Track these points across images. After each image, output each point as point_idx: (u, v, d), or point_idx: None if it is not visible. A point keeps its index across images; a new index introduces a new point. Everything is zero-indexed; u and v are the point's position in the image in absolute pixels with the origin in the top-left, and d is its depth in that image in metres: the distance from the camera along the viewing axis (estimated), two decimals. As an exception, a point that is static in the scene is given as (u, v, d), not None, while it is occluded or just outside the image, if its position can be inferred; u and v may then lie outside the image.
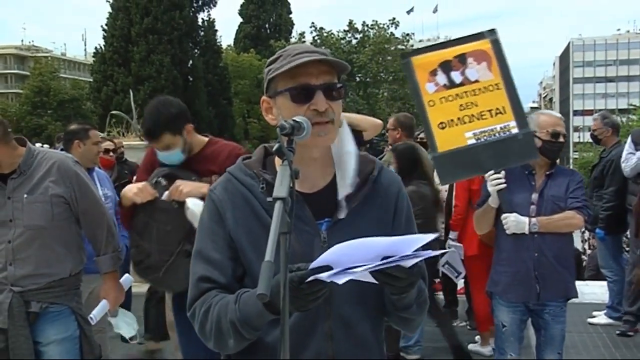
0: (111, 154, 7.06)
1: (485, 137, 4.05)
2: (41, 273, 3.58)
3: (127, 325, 4.39)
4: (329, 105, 1.93)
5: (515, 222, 4.10)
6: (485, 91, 4.06)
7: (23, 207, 3.52)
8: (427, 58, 4.14)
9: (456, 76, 4.08)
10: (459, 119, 4.05)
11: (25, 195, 3.53)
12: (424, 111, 4.10)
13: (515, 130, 4.05)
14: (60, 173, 3.62)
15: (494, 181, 4.06)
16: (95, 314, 3.92)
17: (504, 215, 4.13)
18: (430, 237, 1.77)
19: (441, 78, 4.09)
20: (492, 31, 4.14)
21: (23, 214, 3.52)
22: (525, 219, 4.11)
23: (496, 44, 4.10)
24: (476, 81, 4.07)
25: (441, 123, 4.07)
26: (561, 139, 4.25)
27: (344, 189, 2.01)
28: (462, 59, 4.08)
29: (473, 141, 4.05)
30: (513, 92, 4.09)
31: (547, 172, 4.25)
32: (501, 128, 4.04)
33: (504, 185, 4.05)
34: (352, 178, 2.02)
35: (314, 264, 1.67)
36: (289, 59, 1.94)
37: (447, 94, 4.08)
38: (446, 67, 4.08)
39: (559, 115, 4.49)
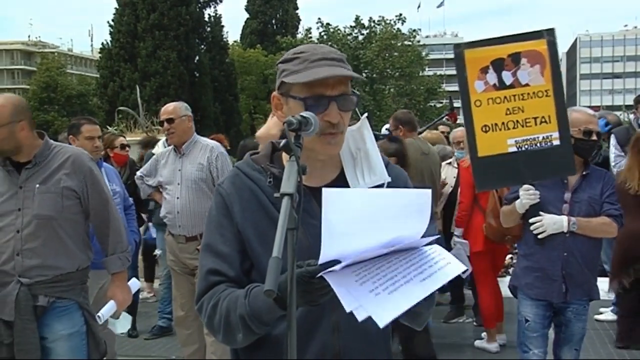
0: (127, 149, 7.06)
1: (526, 146, 3.94)
2: (49, 265, 3.56)
3: (121, 323, 4.35)
4: (341, 117, 1.94)
5: (552, 222, 4.03)
6: (534, 97, 3.94)
7: (34, 197, 3.53)
8: (481, 53, 3.99)
9: (507, 77, 3.95)
10: (503, 123, 3.94)
11: (37, 185, 3.54)
12: (469, 111, 3.98)
13: (556, 142, 3.94)
14: (74, 167, 3.65)
15: (531, 195, 4.01)
16: (104, 313, 3.89)
17: (536, 218, 4.06)
18: (427, 191, 1.80)
19: (491, 77, 3.96)
20: (551, 31, 3.99)
21: (33, 203, 3.52)
22: (564, 218, 4.06)
23: (552, 46, 3.97)
24: (526, 85, 3.94)
25: (485, 126, 3.96)
26: (594, 137, 4.16)
27: (362, 182, 2.05)
28: (515, 58, 3.95)
29: (514, 149, 3.95)
30: (561, 102, 3.98)
31: (584, 173, 4.18)
32: (543, 138, 3.94)
33: (538, 200, 4.02)
34: (368, 177, 2.06)
35: (322, 258, 1.66)
36: (307, 64, 1.92)
37: (495, 95, 3.96)
38: (498, 65, 3.95)
39: (592, 112, 4.37)
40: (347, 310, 1.63)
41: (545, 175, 4.04)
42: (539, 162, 3.96)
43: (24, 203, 3.53)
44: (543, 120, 3.95)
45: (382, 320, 1.63)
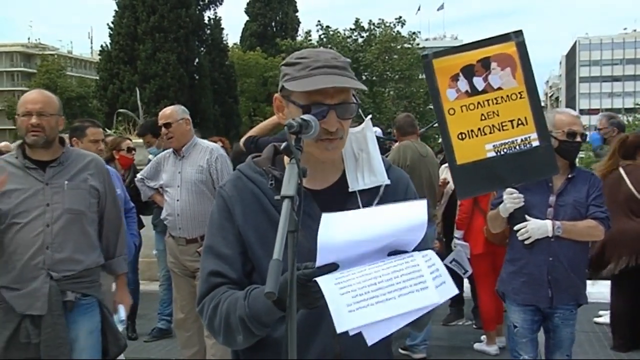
0: (133, 152, 7.07)
1: (505, 150, 3.90)
2: (76, 259, 3.68)
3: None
4: (340, 124, 1.94)
5: (536, 227, 3.99)
6: (508, 100, 3.89)
7: (64, 192, 3.66)
8: (450, 61, 3.95)
9: (478, 82, 3.90)
10: (479, 129, 3.90)
11: (66, 182, 3.68)
12: (444, 120, 3.93)
13: (536, 143, 3.90)
14: (97, 169, 3.85)
15: (515, 199, 3.97)
16: (122, 317, 4.00)
17: (520, 225, 4.02)
18: (422, 203, 1.80)
19: (463, 84, 3.90)
20: (519, 33, 3.95)
21: (64, 199, 3.65)
22: (548, 222, 4.01)
23: (522, 47, 3.92)
24: (499, 88, 3.89)
25: (461, 133, 3.91)
26: (578, 139, 4.14)
27: (361, 183, 2.06)
28: (485, 63, 3.90)
29: (493, 154, 3.90)
30: (536, 102, 3.94)
31: (569, 176, 4.14)
32: (522, 140, 3.90)
33: (522, 203, 3.98)
34: (368, 178, 2.07)
35: (319, 262, 1.68)
36: (308, 72, 1.93)
37: (468, 101, 3.91)
38: (469, 72, 3.90)
39: (575, 113, 4.35)
40: (338, 331, 1.65)
41: (528, 177, 3.99)
42: (520, 165, 3.92)
43: (52, 198, 3.64)
44: (520, 122, 3.91)
45: (371, 339, 1.67)
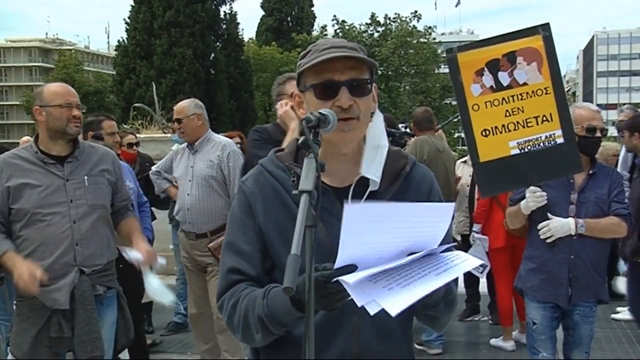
0: (134, 147, 7.10)
1: (529, 147, 3.82)
2: (101, 253, 3.72)
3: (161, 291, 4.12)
4: (354, 102, 1.91)
5: (559, 226, 3.94)
6: (534, 95, 3.81)
7: (85, 188, 3.68)
8: (475, 55, 3.86)
9: (504, 77, 3.82)
10: (503, 126, 3.83)
11: (85, 177, 3.70)
12: (467, 116, 3.86)
13: (560, 140, 3.81)
14: (113, 164, 3.91)
15: (538, 198, 3.93)
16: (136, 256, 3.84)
17: (543, 223, 3.98)
18: (450, 206, 1.78)
19: (487, 79, 3.83)
20: (546, 26, 3.83)
21: (86, 194, 3.68)
22: (571, 220, 3.96)
23: (548, 41, 3.82)
24: (525, 84, 3.82)
25: (485, 130, 3.84)
26: (598, 134, 4.07)
27: (368, 174, 1.99)
28: (511, 57, 3.81)
29: (517, 151, 3.83)
30: (562, 98, 3.85)
31: (590, 172, 4.08)
32: (546, 137, 3.82)
33: (545, 202, 3.94)
34: (379, 171, 2.00)
35: (338, 263, 1.63)
36: (317, 54, 1.93)
37: (492, 97, 3.83)
38: (494, 66, 3.82)
39: (595, 108, 4.26)
40: (359, 304, 1.59)
41: (551, 175, 3.93)
42: (544, 163, 3.85)
43: (75, 194, 3.66)
44: (545, 118, 3.83)
45: (394, 309, 1.57)
